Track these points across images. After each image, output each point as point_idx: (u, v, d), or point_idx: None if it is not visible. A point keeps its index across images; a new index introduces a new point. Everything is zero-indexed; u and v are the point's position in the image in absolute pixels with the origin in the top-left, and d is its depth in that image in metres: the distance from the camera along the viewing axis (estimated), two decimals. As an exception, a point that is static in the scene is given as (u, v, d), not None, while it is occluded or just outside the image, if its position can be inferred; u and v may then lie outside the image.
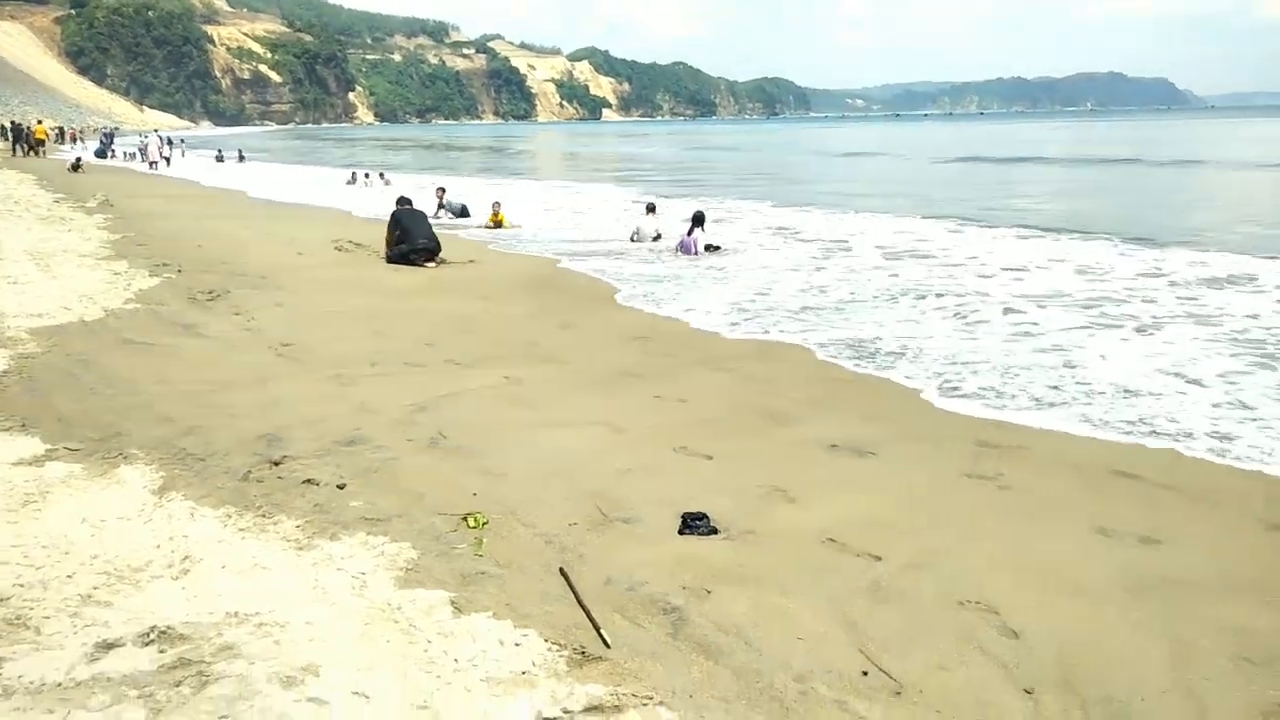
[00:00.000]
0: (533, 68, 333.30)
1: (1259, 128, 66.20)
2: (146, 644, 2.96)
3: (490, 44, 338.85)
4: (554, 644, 3.09)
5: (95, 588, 3.35)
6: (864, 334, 8.37)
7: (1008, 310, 9.28)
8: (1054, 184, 27.05)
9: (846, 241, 14.79)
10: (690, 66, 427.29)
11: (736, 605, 3.46)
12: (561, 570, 3.69)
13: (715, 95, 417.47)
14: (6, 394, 5.93)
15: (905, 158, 39.69)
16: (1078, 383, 6.65)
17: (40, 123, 49.74)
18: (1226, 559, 3.99)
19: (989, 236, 15.05)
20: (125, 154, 45.46)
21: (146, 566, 3.56)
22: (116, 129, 66.95)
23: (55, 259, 11.72)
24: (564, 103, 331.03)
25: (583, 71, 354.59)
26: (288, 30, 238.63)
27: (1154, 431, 5.64)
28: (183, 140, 60.17)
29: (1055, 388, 6.54)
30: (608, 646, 3.11)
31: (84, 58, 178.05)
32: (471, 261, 13.07)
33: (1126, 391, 6.41)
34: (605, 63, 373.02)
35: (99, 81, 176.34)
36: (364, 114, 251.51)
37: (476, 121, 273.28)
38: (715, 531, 4.19)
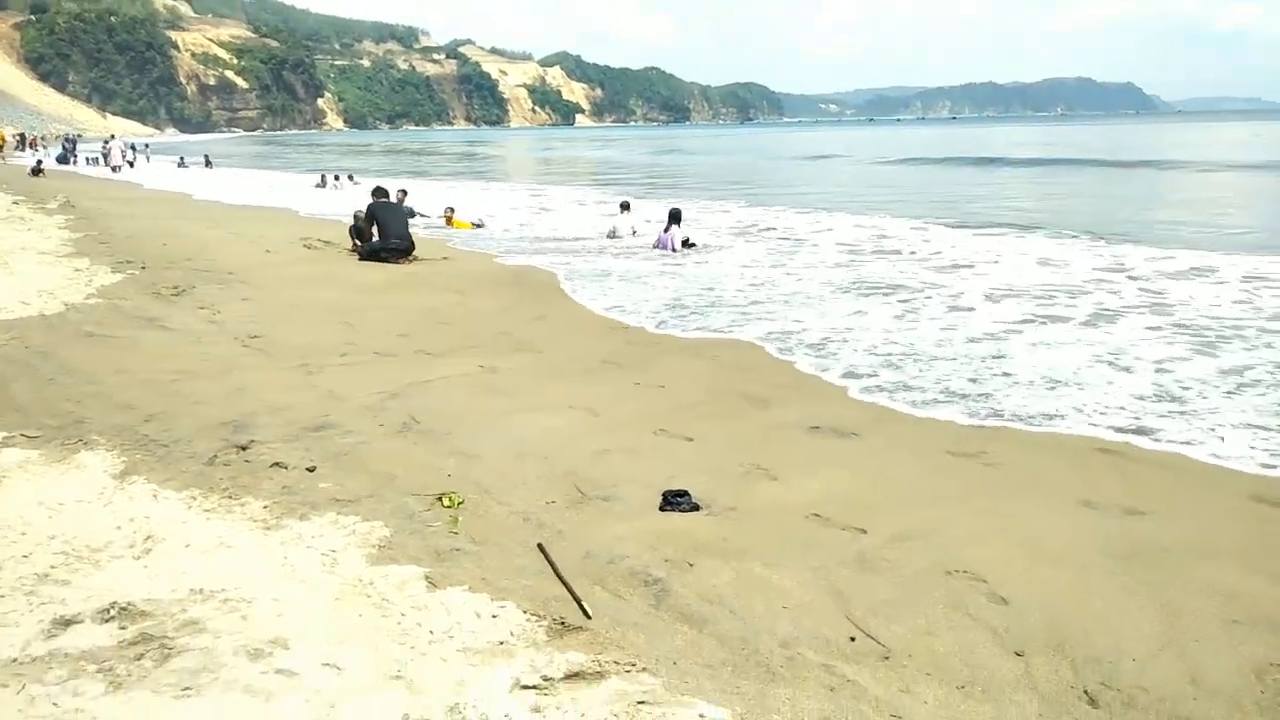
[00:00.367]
0: (504, 73, 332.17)
1: (1223, 131, 67.42)
2: (106, 620, 2.83)
3: (461, 49, 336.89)
4: (533, 615, 2.99)
5: (53, 567, 3.20)
6: (796, 326, 8.22)
7: (953, 305, 9.22)
8: (1024, 184, 27.29)
9: (811, 240, 14.76)
10: (663, 72, 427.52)
11: (720, 576, 3.38)
12: (540, 546, 3.59)
13: (689, 101, 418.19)
14: (-40, 385, 5.73)
15: (879, 160, 39.89)
16: (1003, 373, 6.46)
17: (-3, 129, 48.75)
18: (1210, 528, 3.98)
19: (954, 233, 15.00)
20: (88, 159, 44.66)
21: (106, 547, 3.41)
22: (79, 136, 65.71)
23: (14, 256, 11.41)
24: (536, 108, 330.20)
25: (555, 77, 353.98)
26: (254, 36, 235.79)
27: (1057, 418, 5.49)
28: (146, 145, 59.28)
29: (973, 380, 6.32)
30: (588, 617, 3.02)
31: (45, 64, 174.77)
32: (445, 259, 12.92)
33: (1052, 381, 6.24)
34: (578, 68, 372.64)
35: (60, 88, 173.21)
36: (333, 120, 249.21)
37: (448, 127, 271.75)
38: (697, 508, 4.11)
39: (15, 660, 2.57)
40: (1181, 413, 5.55)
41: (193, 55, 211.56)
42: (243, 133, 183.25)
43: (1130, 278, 10.32)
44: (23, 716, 2.33)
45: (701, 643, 2.91)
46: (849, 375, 6.56)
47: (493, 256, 13.49)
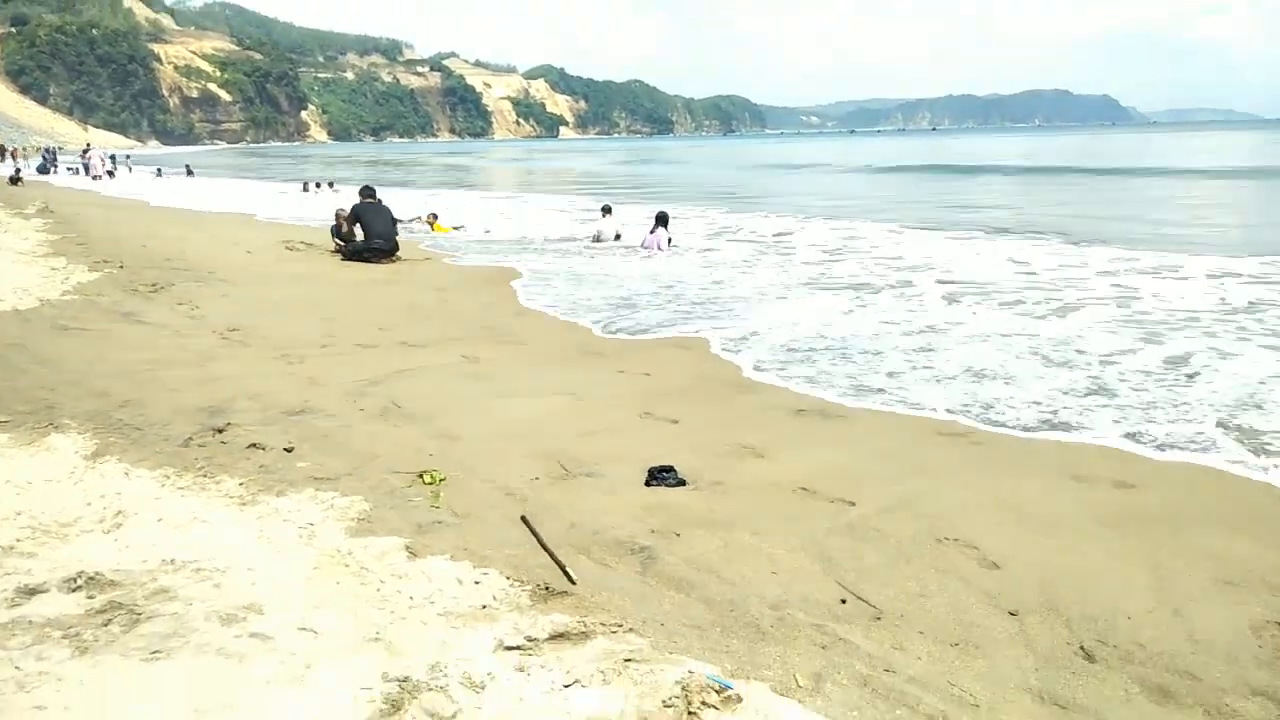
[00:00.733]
0: (488, 85, 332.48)
1: (1197, 140, 68.25)
2: (73, 590, 2.73)
3: (445, 62, 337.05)
4: (516, 581, 2.91)
5: (18, 539, 3.09)
6: (747, 318, 8.16)
7: (905, 291, 9.22)
8: (1002, 192, 27.41)
9: (789, 239, 14.71)
10: (646, 84, 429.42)
11: (707, 545, 3.32)
12: (523, 518, 3.51)
13: (672, 113, 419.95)
14: (-71, 374, 5.59)
15: (859, 169, 40.05)
16: (924, 366, 6.29)
17: (-24, 138, 48.23)
18: (1199, 498, 3.95)
19: (926, 237, 14.75)
20: (68, 169, 44.25)
21: (75, 522, 3.31)
22: (60, 148, 65.13)
23: (-11, 257, 11.24)
24: (521, 120, 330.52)
25: (539, 89, 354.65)
26: (237, 48, 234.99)
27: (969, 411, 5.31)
28: (128, 156, 58.82)
29: (891, 374, 6.09)
30: (573, 583, 2.94)
31: (25, 76, 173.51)
32: (427, 259, 12.83)
33: (976, 374, 6.03)
34: (561, 80, 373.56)
35: (41, 101, 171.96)
36: (317, 132, 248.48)
37: (432, 139, 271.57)
38: (683, 483, 4.04)
39: (-24, 627, 2.47)
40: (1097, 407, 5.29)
41: (175, 68, 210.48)
42: (226, 145, 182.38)
43: (1098, 274, 10.21)
44: (-17, 681, 2.23)
45: (689, 606, 2.84)
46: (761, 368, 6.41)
47: (476, 256, 13.42)
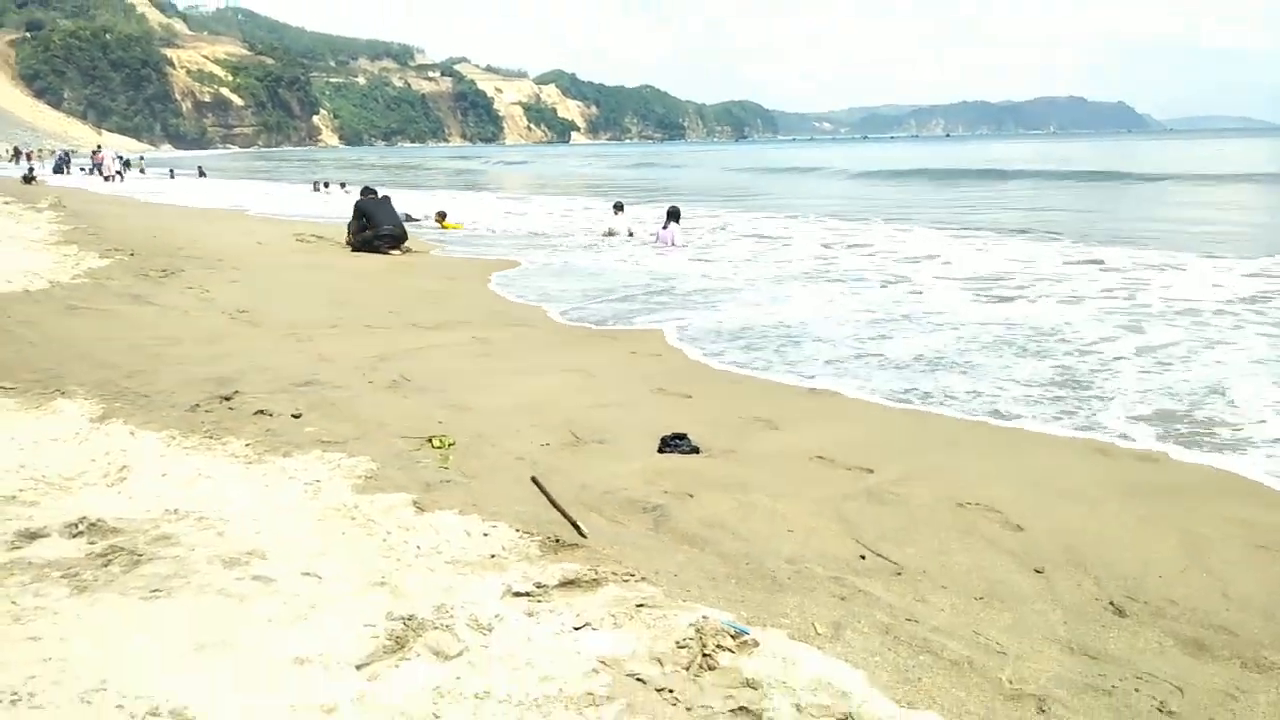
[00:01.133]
0: (500, 90, 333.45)
1: (1214, 147, 67.70)
2: (74, 535, 2.67)
3: (456, 67, 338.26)
4: (525, 534, 2.84)
5: (20, 490, 3.04)
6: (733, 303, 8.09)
7: (887, 284, 9.11)
8: (1019, 195, 27.16)
9: (793, 237, 14.51)
10: (658, 90, 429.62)
11: (721, 505, 3.24)
12: (533, 478, 3.44)
13: (683, 118, 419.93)
14: (-63, 346, 5.57)
15: (874, 173, 39.75)
16: (871, 354, 6.08)
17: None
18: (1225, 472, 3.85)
19: (934, 235, 14.32)
20: (80, 169, 44.52)
21: (79, 476, 3.26)
22: (73, 152, 65.54)
23: (1, 244, 11.26)
24: (532, 125, 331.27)
25: (550, 95, 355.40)
26: (249, 53, 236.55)
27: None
28: (141, 158, 59.17)
29: (833, 360, 5.92)
30: (584, 536, 2.86)
31: (40, 81, 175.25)
32: (436, 251, 12.80)
33: (926, 362, 5.83)
34: (572, 86, 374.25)
35: (55, 105, 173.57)
36: (328, 137, 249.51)
37: (443, 144, 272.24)
38: (696, 451, 3.96)
39: (-27, 567, 2.41)
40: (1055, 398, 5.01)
41: (188, 72, 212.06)
42: (238, 149, 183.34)
43: (1102, 270, 9.90)
44: (-22, 618, 2.17)
45: (703, 559, 2.76)
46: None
47: (487, 247, 13.39)
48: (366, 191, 13.38)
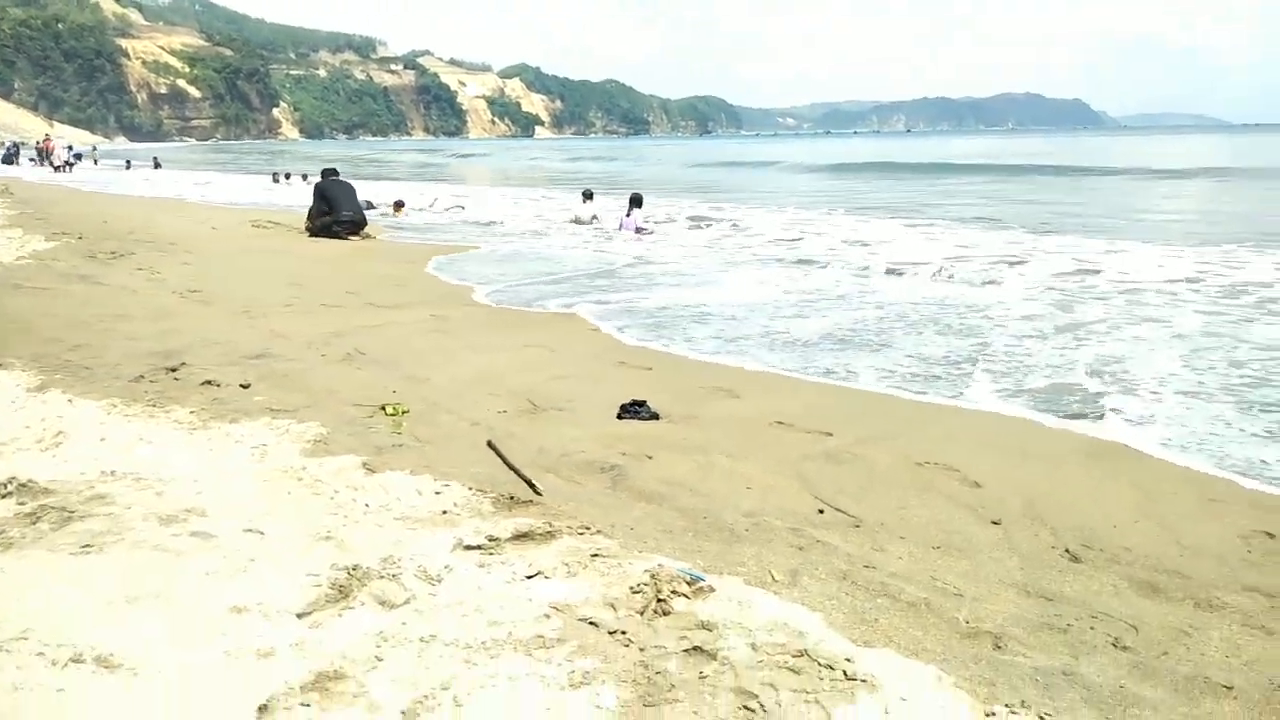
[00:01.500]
0: (463, 84, 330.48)
1: (1167, 144, 68.83)
2: (3, 496, 2.55)
3: (419, 60, 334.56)
4: (479, 491, 2.77)
5: (-54, 454, 2.91)
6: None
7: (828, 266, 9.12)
8: (976, 189, 27.35)
9: (748, 226, 14.42)
10: (622, 84, 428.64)
11: (680, 466, 3.19)
12: (489, 442, 3.37)
13: (648, 113, 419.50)
14: None
15: (843, 166, 39.71)
16: (778, 332, 6.02)
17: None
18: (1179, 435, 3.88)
19: (888, 224, 14.19)
20: (29, 159, 43.30)
21: (11, 441, 3.12)
22: (23, 144, 63.76)
23: (-57, 229, 10.90)
24: (495, 119, 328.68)
25: (514, 88, 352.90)
26: (206, 44, 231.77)
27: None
28: (94, 149, 57.78)
29: (736, 338, 5.84)
30: (539, 494, 2.80)
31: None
32: (396, 238, 12.62)
33: (836, 339, 5.77)
34: (537, 80, 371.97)
35: (5, 96, 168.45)
36: (288, 130, 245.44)
37: (406, 138, 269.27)
38: (656, 417, 3.92)
39: (-109, 524, 2.29)
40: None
41: (143, 63, 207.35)
42: (195, 142, 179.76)
43: (1047, 254, 9.87)
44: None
45: (661, 514, 2.71)
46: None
47: (448, 234, 13.23)
48: (328, 173, 13.06)
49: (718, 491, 2.93)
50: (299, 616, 1.94)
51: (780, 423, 3.88)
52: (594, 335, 5.92)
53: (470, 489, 2.78)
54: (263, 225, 13.37)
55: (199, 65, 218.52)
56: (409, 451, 3.21)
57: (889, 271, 8.87)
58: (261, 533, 2.37)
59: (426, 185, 29.71)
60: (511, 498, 2.72)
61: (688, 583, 2.15)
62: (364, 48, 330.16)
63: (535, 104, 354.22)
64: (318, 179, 12.95)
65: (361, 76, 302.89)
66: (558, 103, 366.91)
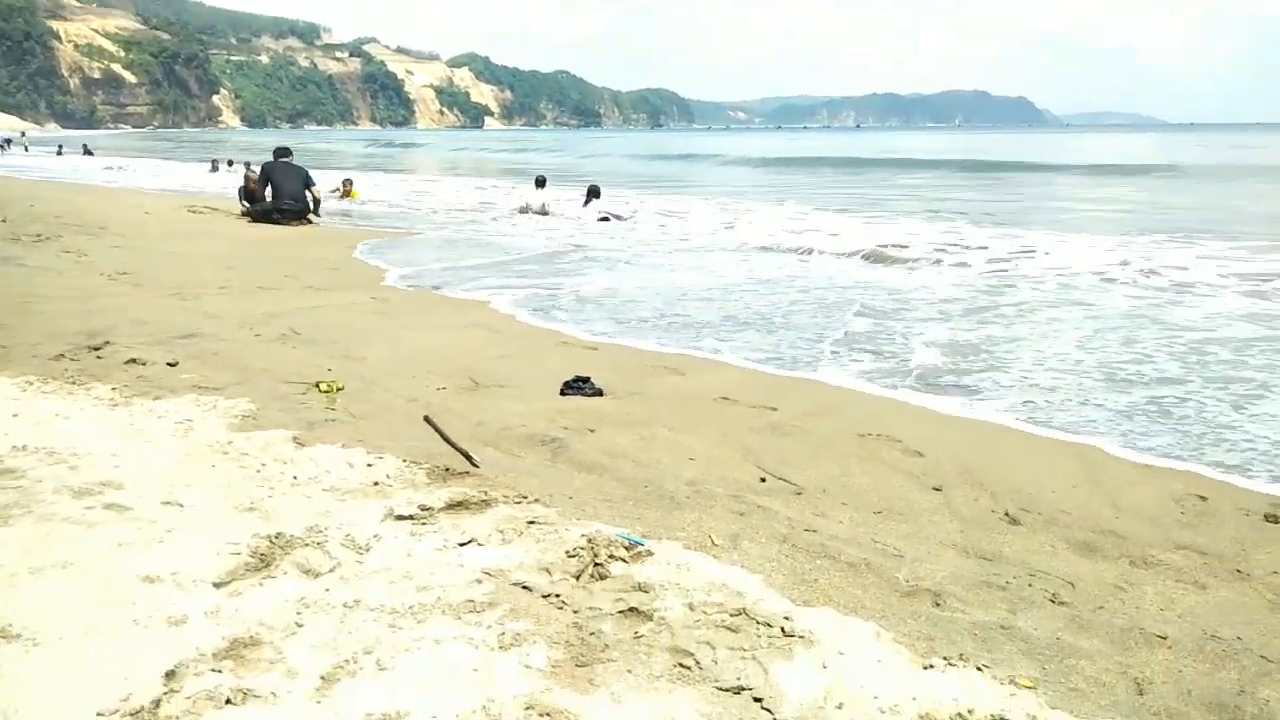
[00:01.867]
0: (410, 73, 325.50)
1: (1105, 142, 70.51)
2: (-103, 472, 2.40)
3: (365, 47, 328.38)
4: (413, 463, 2.68)
5: None
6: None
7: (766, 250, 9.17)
8: (921, 183, 27.71)
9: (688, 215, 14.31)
10: (574, 75, 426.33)
11: (624, 438, 3.14)
12: (426, 417, 3.28)
13: (599, 105, 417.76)
14: None
15: (794, 160, 39.81)
16: (676, 314, 5.97)
17: None
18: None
19: (830, 216, 13.99)
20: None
21: (-87, 418, 2.95)
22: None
23: None
24: (444, 109, 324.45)
25: (463, 78, 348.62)
26: (143, 28, 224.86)
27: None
28: (24, 134, 55.72)
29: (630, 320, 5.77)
30: (475, 466, 2.73)
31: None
32: (340, 223, 12.35)
33: (739, 321, 5.75)
34: (486, 69, 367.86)
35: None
36: (229, 118, 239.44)
37: (352, 127, 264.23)
38: (600, 393, 3.86)
39: None
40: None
41: (76, 47, 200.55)
42: (131, 129, 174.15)
43: (980, 245, 9.74)
44: None
45: (602, 484, 2.66)
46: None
47: (391, 220, 13.00)
48: (280, 153, 12.38)
49: (660, 462, 2.89)
50: (216, 585, 1.84)
51: (725, 398, 3.85)
52: (534, 316, 5.83)
53: (404, 461, 2.69)
54: (199, 210, 12.99)
55: (135, 49, 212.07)
56: (342, 426, 3.11)
57: (802, 253, 9.01)
58: (181, 505, 2.26)
59: (374, 175, 29.19)
60: (447, 469, 2.64)
61: (626, 547, 2.10)
62: (308, 34, 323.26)
63: (485, 94, 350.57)
64: (258, 167, 12.48)
65: (305, 64, 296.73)
66: (508, 93, 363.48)
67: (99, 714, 1.41)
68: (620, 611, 1.80)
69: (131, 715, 1.40)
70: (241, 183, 12.76)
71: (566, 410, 3.52)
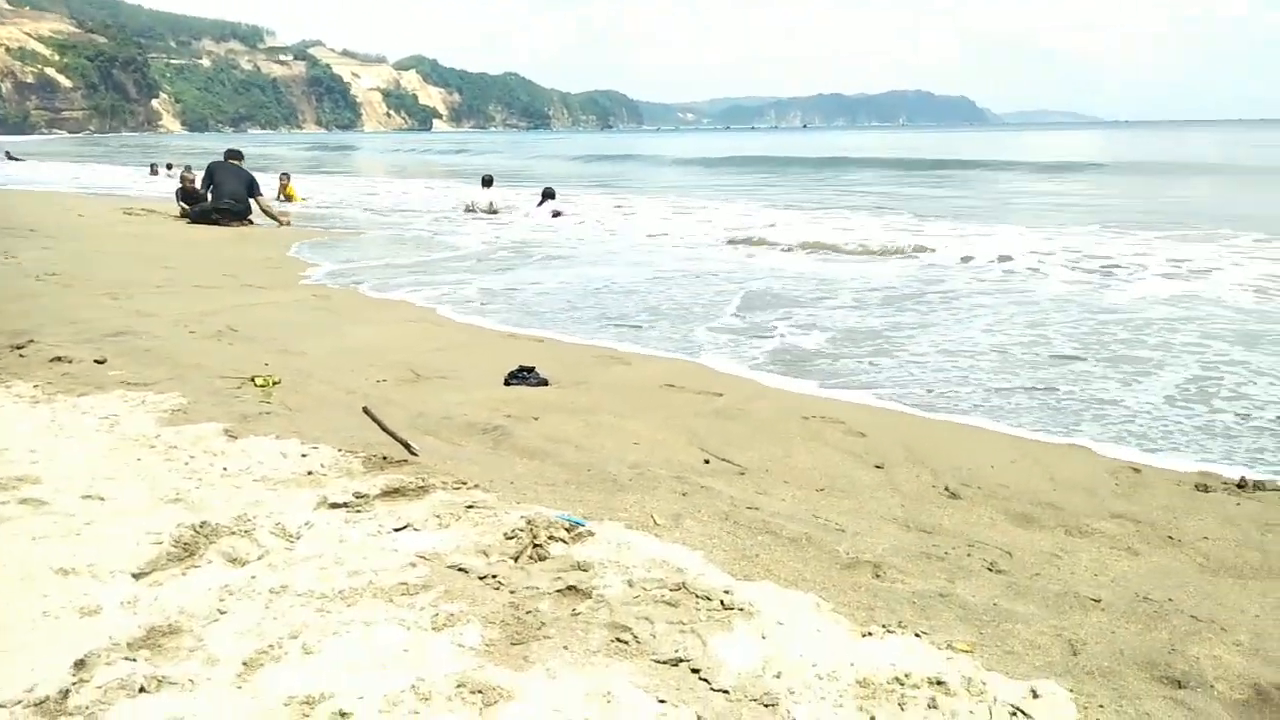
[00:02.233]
0: (357, 76, 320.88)
1: (1042, 139, 72.12)
2: None
3: (310, 50, 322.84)
4: (349, 453, 2.62)
5: None
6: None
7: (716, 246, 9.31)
8: (865, 179, 27.98)
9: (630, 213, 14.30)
10: (522, 77, 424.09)
11: (568, 425, 3.11)
12: (365, 408, 3.21)
13: (549, 107, 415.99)
14: None
15: (746, 159, 39.90)
16: (589, 307, 5.95)
17: None
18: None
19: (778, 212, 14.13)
20: None
21: None
22: None
23: None
24: (391, 112, 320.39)
25: (410, 81, 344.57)
26: (79, 31, 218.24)
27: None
28: (-50, 139, 53.59)
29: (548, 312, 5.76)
30: (414, 454, 2.67)
31: None
32: (282, 225, 12.10)
33: (653, 311, 5.78)
34: (434, 72, 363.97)
35: None
36: (170, 122, 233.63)
37: (297, 131, 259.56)
38: (545, 383, 3.82)
39: None
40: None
41: (7, 50, 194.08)
42: (67, 134, 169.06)
43: (916, 236, 9.87)
44: None
45: (544, 469, 2.62)
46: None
47: (335, 220, 12.79)
48: (230, 155, 12.11)
49: (604, 447, 2.86)
50: (136, 576, 1.77)
51: (671, 385, 3.84)
52: (474, 311, 5.76)
53: (340, 451, 2.62)
54: (135, 213, 12.63)
55: (70, 53, 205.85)
56: (277, 418, 3.03)
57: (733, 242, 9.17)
58: (102, 498, 2.17)
59: (321, 178, 28.67)
60: (384, 458, 2.58)
61: (567, 529, 2.07)
62: (250, 37, 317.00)
63: (433, 97, 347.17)
64: (199, 172, 12.13)
65: (248, 67, 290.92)
66: (456, 96, 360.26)
67: (0, 706, 1.33)
68: (559, 590, 1.76)
69: (36, 706, 1.33)
70: (178, 184, 12.42)
71: (509, 399, 3.47)
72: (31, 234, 9.33)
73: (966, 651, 1.62)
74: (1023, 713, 1.42)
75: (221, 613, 1.62)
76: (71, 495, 2.18)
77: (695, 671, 1.51)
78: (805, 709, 1.42)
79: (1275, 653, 1.68)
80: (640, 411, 3.34)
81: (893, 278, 7.16)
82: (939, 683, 1.48)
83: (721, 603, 1.72)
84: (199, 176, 11.81)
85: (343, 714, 1.34)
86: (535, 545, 1.97)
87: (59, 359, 3.81)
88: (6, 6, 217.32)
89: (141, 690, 1.37)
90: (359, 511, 2.17)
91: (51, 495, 2.17)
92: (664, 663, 1.53)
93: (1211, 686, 1.55)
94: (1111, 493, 2.61)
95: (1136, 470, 2.81)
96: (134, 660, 1.45)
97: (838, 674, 1.51)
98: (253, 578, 1.76)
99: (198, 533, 1.93)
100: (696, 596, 1.74)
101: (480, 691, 1.41)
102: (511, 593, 1.76)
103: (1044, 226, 10.94)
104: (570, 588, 1.77)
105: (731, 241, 9.77)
